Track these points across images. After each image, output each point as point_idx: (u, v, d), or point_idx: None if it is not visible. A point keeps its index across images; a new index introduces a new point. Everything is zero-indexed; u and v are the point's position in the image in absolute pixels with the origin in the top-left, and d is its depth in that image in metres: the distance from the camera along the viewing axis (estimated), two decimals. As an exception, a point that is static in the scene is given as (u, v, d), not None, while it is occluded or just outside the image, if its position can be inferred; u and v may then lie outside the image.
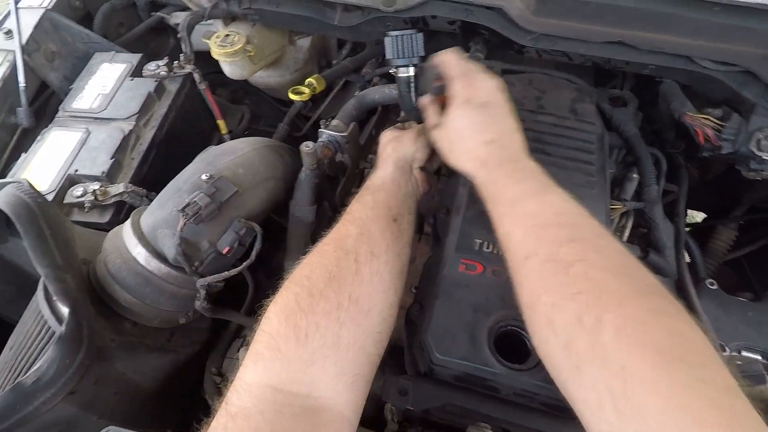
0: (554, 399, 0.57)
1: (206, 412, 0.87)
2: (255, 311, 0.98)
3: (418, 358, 0.64)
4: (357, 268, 0.56)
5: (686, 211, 0.95)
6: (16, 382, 0.59)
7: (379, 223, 0.62)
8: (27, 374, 0.59)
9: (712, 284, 0.82)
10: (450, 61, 0.68)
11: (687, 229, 1.12)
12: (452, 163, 0.68)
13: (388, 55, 0.81)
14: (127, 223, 0.77)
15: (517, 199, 0.56)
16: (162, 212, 0.75)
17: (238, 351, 0.97)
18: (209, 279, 0.75)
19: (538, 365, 0.57)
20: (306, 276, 0.55)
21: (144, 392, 0.79)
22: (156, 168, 1.01)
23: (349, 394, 0.51)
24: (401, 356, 0.73)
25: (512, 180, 0.59)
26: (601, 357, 0.41)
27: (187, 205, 0.71)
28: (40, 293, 0.72)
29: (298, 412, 0.46)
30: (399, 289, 0.61)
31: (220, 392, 0.90)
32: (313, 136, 1.38)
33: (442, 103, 0.72)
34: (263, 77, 1.28)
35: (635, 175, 0.90)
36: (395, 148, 0.77)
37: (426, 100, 0.74)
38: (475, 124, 0.64)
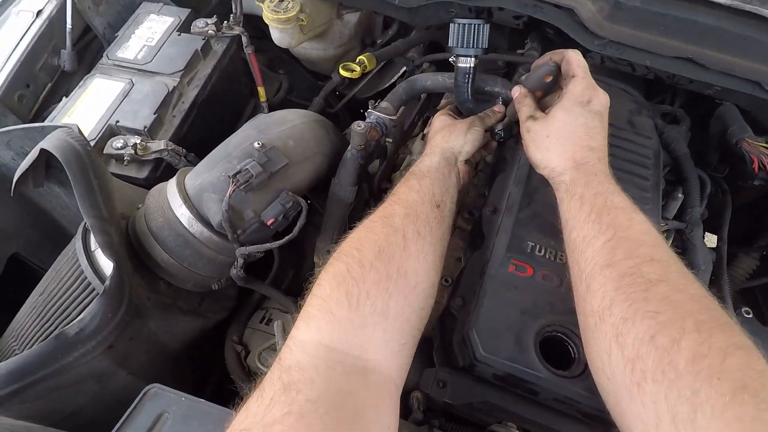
0: (595, 409, 0.57)
1: (224, 377, 0.88)
2: (278, 284, 0.98)
3: (457, 352, 0.64)
4: (405, 244, 0.58)
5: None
6: (59, 331, 0.58)
7: (424, 206, 0.64)
8: (70, 324, 0.59)
9: (748, 313, 0.82)
10: (578, 60, 0.69)
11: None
12: (539, 156, 0.68)
13: (451, 42, 0.79)
14: (172, 181, 0.76)
15: (607, 209, 0.56)
16: (210, 176, 0.74)
17: (260, 322, 0.97)
18: (250, 249, 0.74)
19: (584, 373, 0.57)
20: (356, 248, 0.57)
21: (170, 353, 0.78)
22: (194, 128, 0.99)
23: (396, 360, 0.53)
24: (428, 348, 0.73)
25: (603, 190, 0.59)
26: (671, 379, 0.41)
27: (239, 172, 0.70)
28: (78, 243, 0.71)
29: (350, 370, 0.48)
30: (439, 272, 0.63)
31: (240, 360, 0.90)
32: (344, 114, 1.38)
33: (537, 98, 0.73)
34: (306, 49, 1.26)
35: (680, 195, 0.89)
36: (445, 138, 0.77)
37: (522, 91, 0.74)
38: (586, 126, 0.65)
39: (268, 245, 0.75)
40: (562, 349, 0.60)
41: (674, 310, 0.45)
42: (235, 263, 0.77)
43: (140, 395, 0.53)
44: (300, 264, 1.02)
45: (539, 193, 0.73)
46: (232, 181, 0.70)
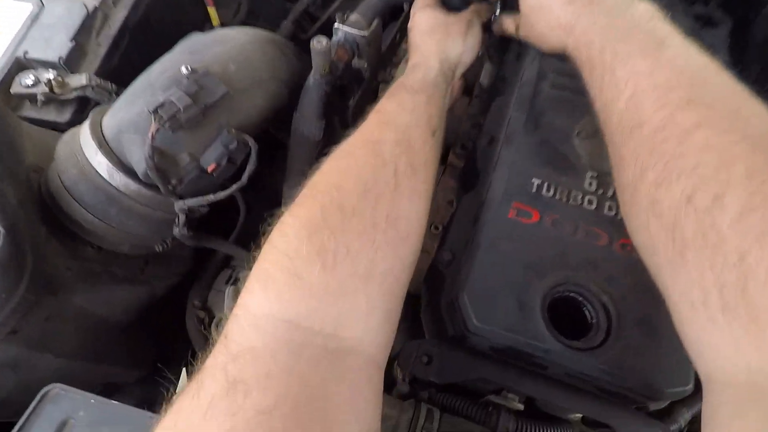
0: (618, 386, 0.45)
1: (188, 348, 0.78)
2: (245, 240, 0.85)
3: (446, 320, 0.52)
4: (396, 182, 0.45)
5: None
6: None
7: (420, 131, 0.50)
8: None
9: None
10: None
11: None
12: (541, 43, 0.58)
13: None
14: (86, 123, 0.60)
15: (621, 60, 0.45)
16: (129, 112, 0.58)
17: (225, 283, 0.85)
18: (190, 202, 0.60)
19: (606, 343, 0.45)
20: (336, 185, 0.43)
21: (114, 327, 0.67)
22: (130, 60, 0.82)
23: (381, 334, 0.41)
24: (415, 307, 0.61)
25: (613, 38, 0.47)
26: (714, 244, 0.34)
27: (161, 105, 0.54)
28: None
29: (321, 355, 0.36)
30: (426, 214, 0.50)
31: (204, 327, 0.79)
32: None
33: None
34: (266, -42, 1.05)
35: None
36: (441, 43, 0.61)
37: None
38: None
39: (210, 197, 0.61)
40: (577, 314, 0.48)
41: (718, 157, 0.35)
42: (176, 220, 0.63)
43: (37, 398, 0.42)
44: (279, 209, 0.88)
45: (547, 116, 0.58)
46: (154, 118, 0.54)
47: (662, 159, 0.39)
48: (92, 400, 0.43)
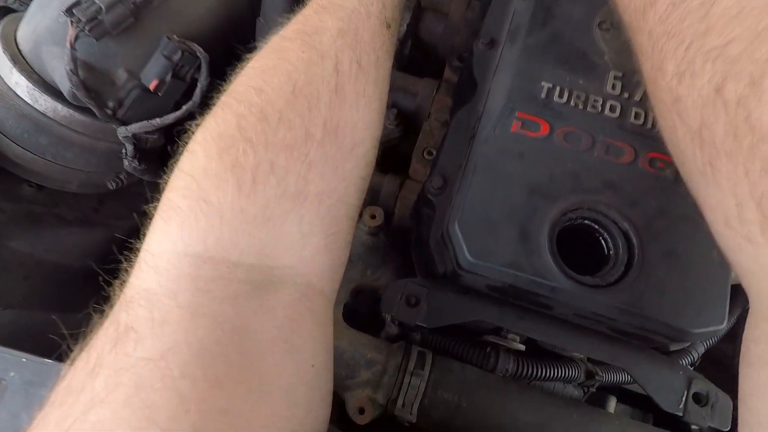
0: (638, 327, 0.39)
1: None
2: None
3: (435, 255, 0.44)
4: (338, 81, 0.37)
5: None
6: None
7: (370, 22, 0.41)
8: None
9: None
10: None
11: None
12: None
13: None
14: (-3, 34, 0.50)
15: None
16: (45, 17, 0.47)
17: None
18: (133, 128, 0.51)
19: (624, 280, 0.38)
20: (256, 88, 0.35)
21: (73, 273, 0.61)
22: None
23: (321, 261, 0.35)
24: (406, 241, 0.55)
25: None
26: (750, 145, 0.27)
27: (76, 3, 0.44)
28: None
29: (239, 290, 0.30)
30: (382, 123, 0.42)
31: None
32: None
33: None
34: None
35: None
36: None
37: None
38: None
39: (158, 121, 0.52)
40: (593, 245, 0.40)
41: (754, 28, 0.28)
42: (123, 151, 0.54)
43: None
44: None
45: (561, 4, 0.46)
46: (72, 21, 0.44)
47: (683, 42, 0.31)
48: (24, 359, 0.37)
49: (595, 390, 0.54)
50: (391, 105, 0.68)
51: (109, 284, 0.31)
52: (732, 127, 0.28)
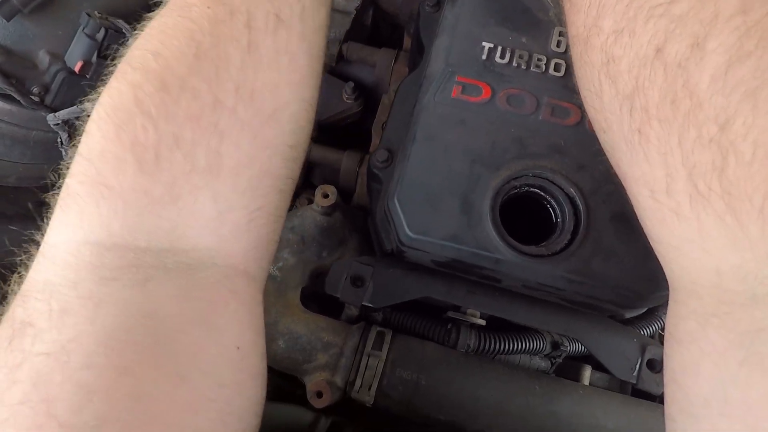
0: (586, 296, 0.37)
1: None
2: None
3: (382, 233, 0.42)
4: (250, 39, 0.32)
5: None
6: None
7: None
8: None
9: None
10: None
11: None
12: None
13: None
14: None
15: None
16: (-49, -1, 0.44)
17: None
18: (63, 114, 0.48)
19: (569, 247, 0.36)
20: (153, 52, 0.31)
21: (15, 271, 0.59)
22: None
23: (244, 238, 0.32)
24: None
25: None
26: (686, 111, 0.25)
27: (-22, -21, 0.40)
28: None
29: (149, 277, 0.28)
30: (317, 84, 0.38)
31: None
32: None
33: None
34: None
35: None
36: None
37: None
38: None
39: (89, 105, 0.49)
40: (542, 213, 0.38)
41: None
42: (58, 138, 0.52)
43: None
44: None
45: (503, -41, 0.43)
46: (-24, 1, 0.41)
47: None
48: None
49: (561, 361, 0.54)
50: (348, 78, 0.65)
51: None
52: (669, 91, 0.26)
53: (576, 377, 0.53)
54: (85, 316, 0.25)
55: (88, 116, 0.32)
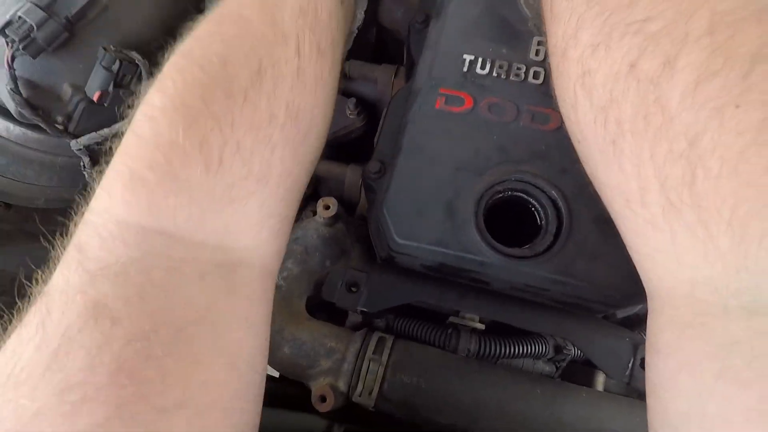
0: (572, 296, 0.38)
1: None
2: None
3: (375, 240, 0.44)
4: (299, 64, 0.35)
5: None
6: None
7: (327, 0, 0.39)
8: None
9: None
10: None
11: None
12: None
13: None
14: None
15: None
16: (-15, 41, 0.49)
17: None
18: (84, 140, 0.52)
19: (553, 248, 0.37)
20: (221, 57, 0.33)
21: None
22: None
23: (275, 242, 0.36)
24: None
25: None
26: (658, 126, 0.26)
27: (7, 23, 0.45)
28: None
29: (206, 270, 0.30)
30: (333, 108, 0.42)
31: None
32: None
33: None
34: None
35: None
36: None
37: None
38: None
39: (106, 131, 0.53)
40: (528, 217, 0.39)
41: (676, 6, 0.27)
42: (81, 163, 0.56)
43: None
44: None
45: (484, -25, 0.45)
46: (7, 42, 0.46)
47: (604, 11, 0.30)
48: None
49: (565, 365, 0.53)
50: (351, 94, 0.67)
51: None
52: (642, 106, 0.27)
53: (589, 382, 0.53)
54: (160, 305, 0.27)
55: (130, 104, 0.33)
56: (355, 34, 0.73)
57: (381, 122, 0.49)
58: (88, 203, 0.30)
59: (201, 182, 0.30)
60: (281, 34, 0.35)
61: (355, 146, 0.70)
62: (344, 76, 0.69)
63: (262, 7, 0.36)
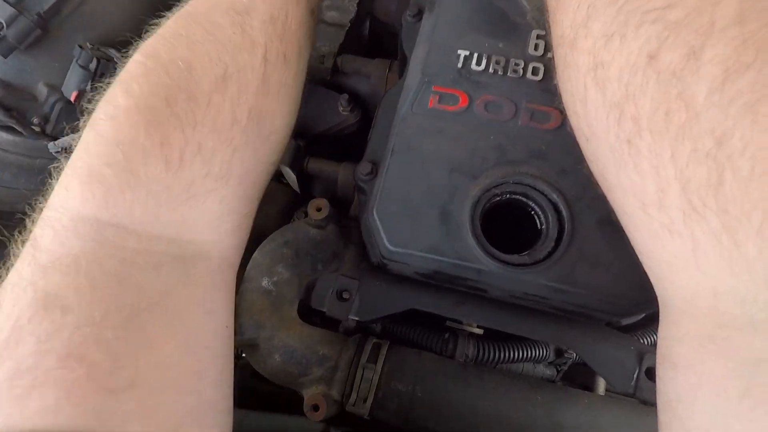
0: (573, 304, 0.36)
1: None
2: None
3: (367, 245, 0.42)
4: (265, 71, 0.37)
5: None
6: None
7: (299, 8, 0.41)
8: None
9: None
10: None
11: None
12: None
13: None
14: None
15: None
16: (-45, 40, 0.47)
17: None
18: (62, 142, 0.50)
19: (553, 255, 0.35)
20: (186, 62, 0.34)
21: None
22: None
23: (235, 237, 0.38)
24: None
25: None
26: (681, 124, 0.24)
27: (-25, 21, 0.43)
28: None
29: (161, 261, 0.32)
30: (296, 113, 0.44)
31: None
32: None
33: None
34: None
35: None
36: None
37: None
38: None
39: (85, 133, 0.51)
40: (527, 221, 0.37)
41: None
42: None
43: None
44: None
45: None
46: (-25, 41, 0.43)
47: (613, 2, 0.28)
48: None
49: (567, 368, 0.52)
50: (343, 90, 0.65)
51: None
52: (662, 102, 0.25)
53: (590, 385, 0.52)
54: (113, 294, 0.28)
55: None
56: (347, 28, 0.71)
57: (373, 121, 0.47)
58: (46, 200, 0.31)
59: (160, 179, 0.31)
60: (249, 41, 0.37)
61: (348, 143, 0.68)
62: (336, 71, 0.67)
63: (232, 13, 0.37)
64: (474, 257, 0.35)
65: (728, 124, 0.22)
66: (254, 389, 0.57)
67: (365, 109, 0.66)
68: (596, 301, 0.35)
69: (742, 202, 0.22)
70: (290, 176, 0.63)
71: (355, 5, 0.68)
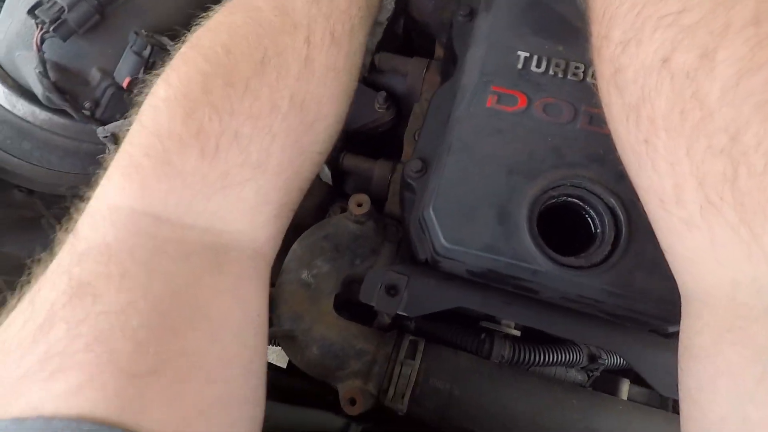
0: (628, 309, 0.36)
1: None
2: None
3: (416, 242, 0.43)
4: (308, 54, 0.36)
5: None
6: None
7: None
8: None
9: None
10: None
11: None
12: None
13: None
14: (-27, 42, 0.50)
15: None
16: (13, 22, 0.47)
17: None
18: (111, 127, 0.51)
19: (610, 259, 0.35)
20: (224, 47, 0.34)
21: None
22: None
23: (271, 228, 0.36)
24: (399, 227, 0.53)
25: None
26: (696, 123, 0.25)
27: (38, 3, 0.43)
28: None
29: (191, 250, 0.31)
30: (350, 98, 0.42)
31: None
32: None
33: None
34: None
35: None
36: None
37: None
38: None
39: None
40: (581, 224, 0.37)
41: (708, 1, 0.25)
42: (107, 151, 0.54)
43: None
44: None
45: (539, -33, 0.43)
46: (36, 23, 0.44)
47: (635, 5, 0.29)
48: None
49: (599, 374, 0.52)
50: (380, 87, 0.65)
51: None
52: (677, 102, 0.26)
53: (613, 391, 0.52)
54: (140, 282, 0.28)
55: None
56: (384, 26, 0.71)
57: (419, 118, 0.47)
58: (93, 190, 0.32)
59: (195, 168, 0.31)
60: (291, 23, 0.35)
61: (383, 141, 0.68)
62: (373, 68, 0.67)
63: None
64: (531, 258, 0.35)
65: (742, 122, 0.23)
66: (272, 383, 0.58)
67: (400, 107, 0.66)
68: (652, 306, 0.35)
69: (758, 195, 0.23)
70: (324, 171, 0.63)
71: (393, 3, 0.69)
